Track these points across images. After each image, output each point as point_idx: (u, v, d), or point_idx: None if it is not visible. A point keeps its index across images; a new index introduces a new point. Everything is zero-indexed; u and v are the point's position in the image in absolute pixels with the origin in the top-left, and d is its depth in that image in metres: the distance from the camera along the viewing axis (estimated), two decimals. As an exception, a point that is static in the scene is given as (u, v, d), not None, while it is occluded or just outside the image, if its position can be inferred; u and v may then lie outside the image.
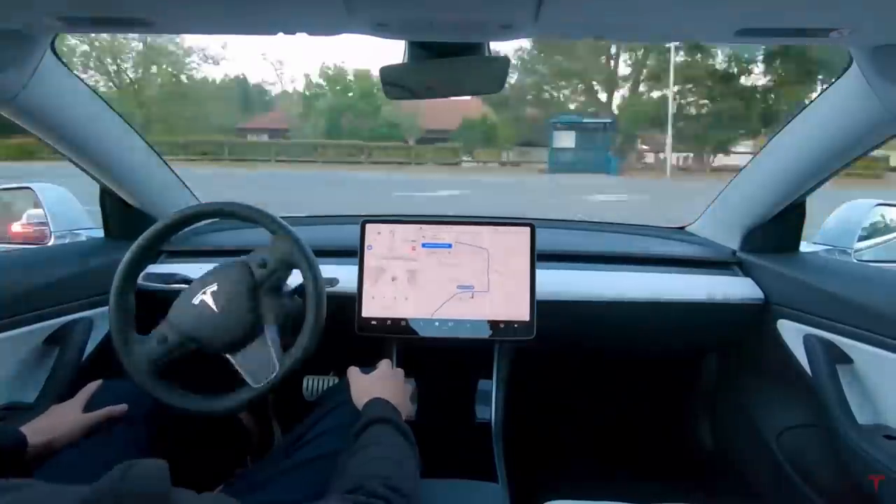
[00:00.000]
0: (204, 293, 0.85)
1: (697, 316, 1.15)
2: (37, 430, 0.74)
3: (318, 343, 0.85)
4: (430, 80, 0.86)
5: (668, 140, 16.97)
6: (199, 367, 0.86)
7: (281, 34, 0.70)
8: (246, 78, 30.78)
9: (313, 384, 1.07)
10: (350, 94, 23.31)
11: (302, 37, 0.70)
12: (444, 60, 0.78)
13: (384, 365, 0.88)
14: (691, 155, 18.91)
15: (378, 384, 0.81)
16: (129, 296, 0.87)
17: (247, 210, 0.92)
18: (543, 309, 1.03)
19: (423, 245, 1.05)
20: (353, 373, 0.86)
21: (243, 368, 0.84)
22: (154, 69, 22.99)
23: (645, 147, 20.10)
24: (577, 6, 0.59)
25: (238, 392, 0.84)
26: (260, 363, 0.84)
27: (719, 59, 17.94)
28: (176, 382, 0.86)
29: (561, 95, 22.41)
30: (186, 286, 0.90)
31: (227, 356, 0.85)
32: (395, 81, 0.83)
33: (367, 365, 0.91)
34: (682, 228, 1.43)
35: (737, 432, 1.26)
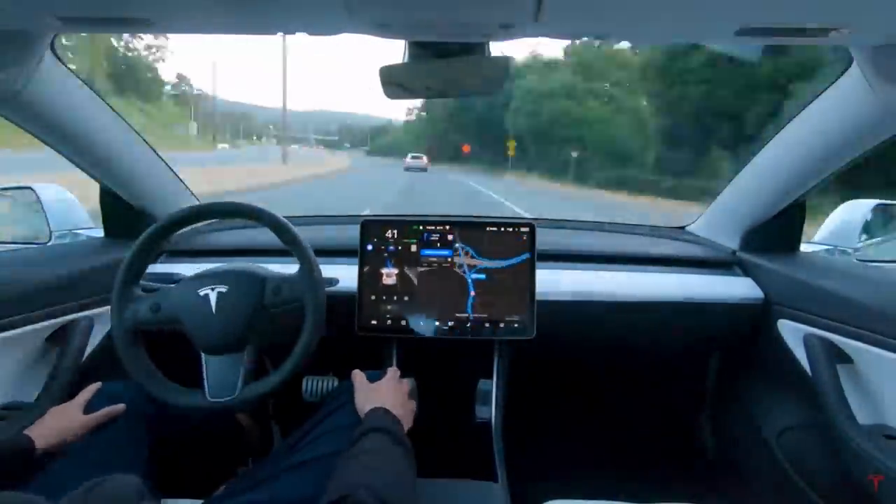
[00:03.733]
0: (212, 289, 0.86)
1: (697, 316, 1.15)
2: (40, 434, 0.74)
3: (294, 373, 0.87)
4: (429, 80, 0.86)
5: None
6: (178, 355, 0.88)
7: (281, 34, 0.70)
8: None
9: (313, 385, 1.07)
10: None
11: (301, 36, 0.70)
12: (444, 60, 0.77)
13: (391, 373, 0.87)
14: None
15: (383, 393, 0.81)
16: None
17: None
18: (543, 308, 1.03)
19: (423, 244, 1.05)
20: (359, 377, 0.85)
21: (208, 375, 0.86)
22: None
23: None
24: (578, 6, 0.59)
25: (193, 394, 0.85)
26: (224, 380, 0.85)
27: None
28: (154, 362, 0.87)
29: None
30: (197, 272, 0.91)
31: (202, 354, 0.86)
32: (394, 81, 0.83)
33: (368, 365, 0.90)
34: (682, 228, 1.43)
35: (737, 432, 1.26)
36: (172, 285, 0.91)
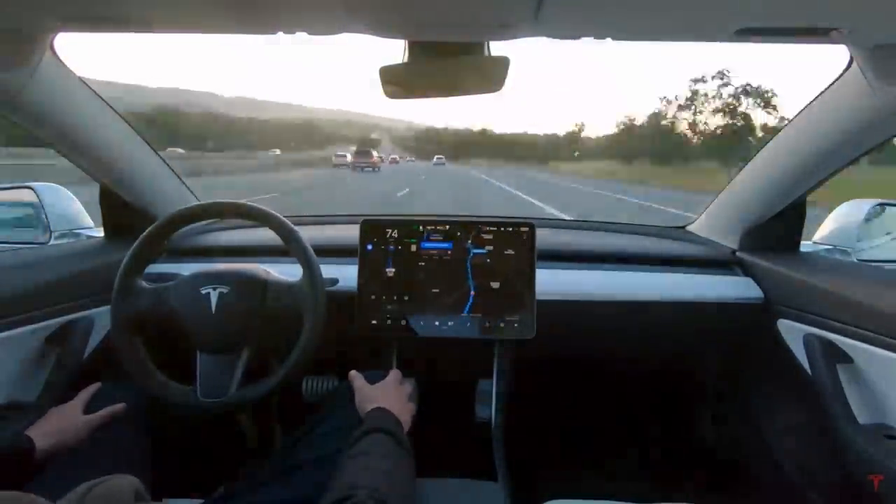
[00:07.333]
0: (213, 289, 0.86)
1: (697, 316, 1.15)
2: (40, 434, 0.74)
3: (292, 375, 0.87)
4: (429, 80, 0.86)
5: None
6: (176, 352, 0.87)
7: (281, 34, 0.70)
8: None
9: (313, 385, 1.06)
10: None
11: (302, 36, 0.70)
12: (444, 60, 0.78)
13: (393, 375, 0.87)
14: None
15: (384, 393, 0.81)
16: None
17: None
18: (543, 308, 1.03)
19: (423, 245, 1.05)
20: (357, 379, 0.85)
21: (201, 374, 0.85)
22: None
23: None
24: (578, 6, 0.59)
25: (184, 392, 0.85)
26: (217, 380, 0.85)
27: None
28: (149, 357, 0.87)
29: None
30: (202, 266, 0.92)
31: (197, 352, 0.86)
32: (394, 81, 0.83)
33: (368, 365, 0.90)
34: (682, 228, 1.43)
35: (737, 432, 1.26)
36: (174, 281, 0.91)
